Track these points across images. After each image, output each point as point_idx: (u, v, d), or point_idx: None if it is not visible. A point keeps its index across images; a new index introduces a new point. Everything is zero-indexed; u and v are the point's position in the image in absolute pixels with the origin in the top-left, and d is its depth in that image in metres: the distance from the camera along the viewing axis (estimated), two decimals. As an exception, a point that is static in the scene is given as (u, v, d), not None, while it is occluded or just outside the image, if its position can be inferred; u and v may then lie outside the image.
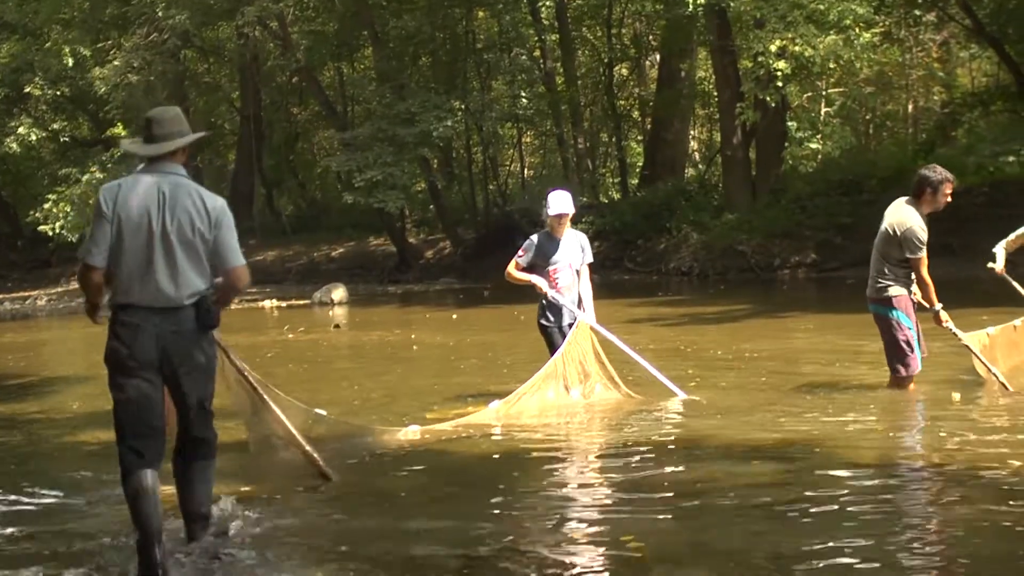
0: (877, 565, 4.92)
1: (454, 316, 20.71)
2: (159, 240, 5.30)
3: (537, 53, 33.93)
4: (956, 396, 8.78)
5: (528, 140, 40.54)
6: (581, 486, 7.01)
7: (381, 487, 6.87)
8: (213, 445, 5.60)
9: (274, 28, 32.28)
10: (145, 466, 5.27)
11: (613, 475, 7.12)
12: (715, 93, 31.37)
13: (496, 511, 6.18)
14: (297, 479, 6.88)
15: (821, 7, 23.37)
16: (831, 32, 23.63)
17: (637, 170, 37.09)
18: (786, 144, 29.05)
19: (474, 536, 5.65)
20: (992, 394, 8.98)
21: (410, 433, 8.22)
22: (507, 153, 40.30)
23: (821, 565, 4.92)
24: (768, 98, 24.61)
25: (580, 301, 9.45)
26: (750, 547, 5.24)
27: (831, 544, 5.19)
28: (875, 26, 25.31)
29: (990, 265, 9.76)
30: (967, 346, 9.16)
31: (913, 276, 8.80)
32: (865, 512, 5.72)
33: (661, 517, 5.89)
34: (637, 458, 7.35)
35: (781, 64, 23.29)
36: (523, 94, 34.18)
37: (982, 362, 9.19)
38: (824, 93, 32.09)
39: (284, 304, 26.13)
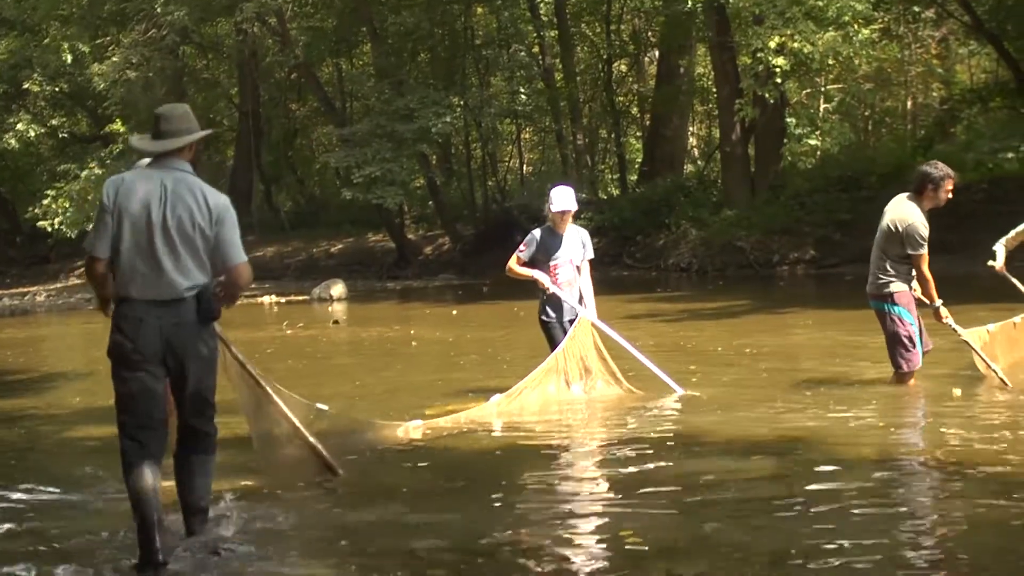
0: (877, 560, 4.92)
1: (454, 312, 20.70)
2: (159, 233, 5.32)
3: (536, 49, 33.89)
4: (957, 392, 8.79)
5: (527, 136, 40.52)
6: (581, 481, 7.02)
7: (382, 482, 6.87)
8: (213, 440, 5.62)
9: (273, 24, 32.24)
10: (147, 457, 5.29)
11: (613, 470, 7.12)
12: (714, 89, 31.35)
13: (497, 506, 6.19)
14: (299, 474, 6.88)
15: (820, 3, 23.36)
16: (830, 28, 23.62)
17: (636, 166, 37.08)
18: (785, 140, 29.02)
19: (475, 531, 5.65)
20: (992, 390, 9.00)
21: (411, 428, 8.22)
22: (506, 149, 40.27)
23: (821, 560, 4.92)
24: (767, 94, 24.59)
25: (581, 297, 9.45)
26: (750, 542, 5.25)
27: (831, 539, 5.20)
28: (874, 22, 25.30)
29: (990, 263, 9.77)
30: (967, 342, 9.17)
31: (914, 272, 8.81)
32: (865, 507, 5.72)
33: (661, 512, 5.89)
34: (637, 454, 7.36)
35: (780, 60, 23.29)
36: (522, 90, 34.12)
37: (982, 358, 9.21)
38: (823, 89, 32.05)
39: (283, 300, 26.11)
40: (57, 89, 37.45)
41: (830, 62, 24.86)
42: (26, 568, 5.36)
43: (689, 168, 35.72)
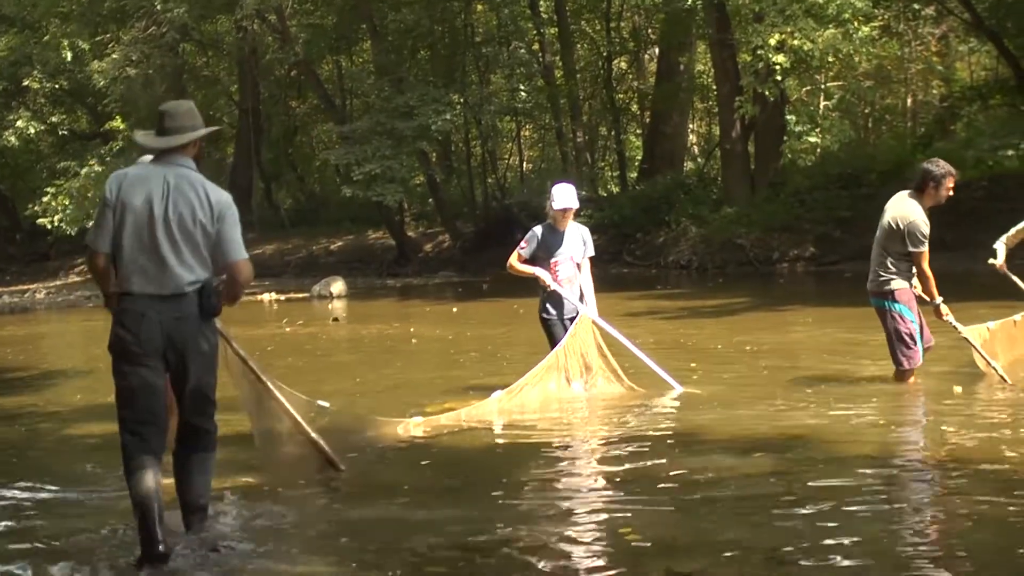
0: (877, 558, 4.92)
1: (454, 309, 20.71)
2: (161, 228, 5.33)
3: (536, 47, 33.87)
4: (957, 389, 8.80)
5: (527, 134, 40.50)
6: (582, 478, 7.02)
7: (382, 479, 6.87)
8: (213, 437, 5.62)
9: (273, 21, 32.22)
10: (147, 452, 5.31)
11: (614, 468, 7.12)
12: (714, 87, 31.34)
13: (497, 504, 6.18)
14: (299, 471, 6.88)
15: (820, 1, 23.36)
16: (830, 26, 23.62)
17: (636, 164, 37.06)
18: (785, 138, 29.01)
19: (475, 528, 5.65)
20: (992, 388, 9.00)
21: (412, 425, 8.22)
22: (506, 147, 40.24)
23: (820, 558, 4.92)
24: (767, 92, 24.61)
25: (581, 294, 9.45)
26: (750, 540, 5.25)
27: (831, 537, 5.20)
28: (874, 20, 25.28)
29: (991, 261, 9.77)
30: (967, 339, 9.18)
31: (914, 269, 8.81)
32: (865, 505, 5.73)
33: (661, 509, 5.90)
34: (637, 451, 7.36)
35: (780, 58, 23.29)
36: (522, 88, 34.10)
37: (982, 356, 9.22)
38: (823, 87, 32.04)
39: (283, 297, 26.12)
40: (57, 86, 37.45)
41: (830, 59, 24.88)
42: (26, 566, 5.35)
43: (689, 165, 35.71)
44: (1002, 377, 9.03)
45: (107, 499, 6.54)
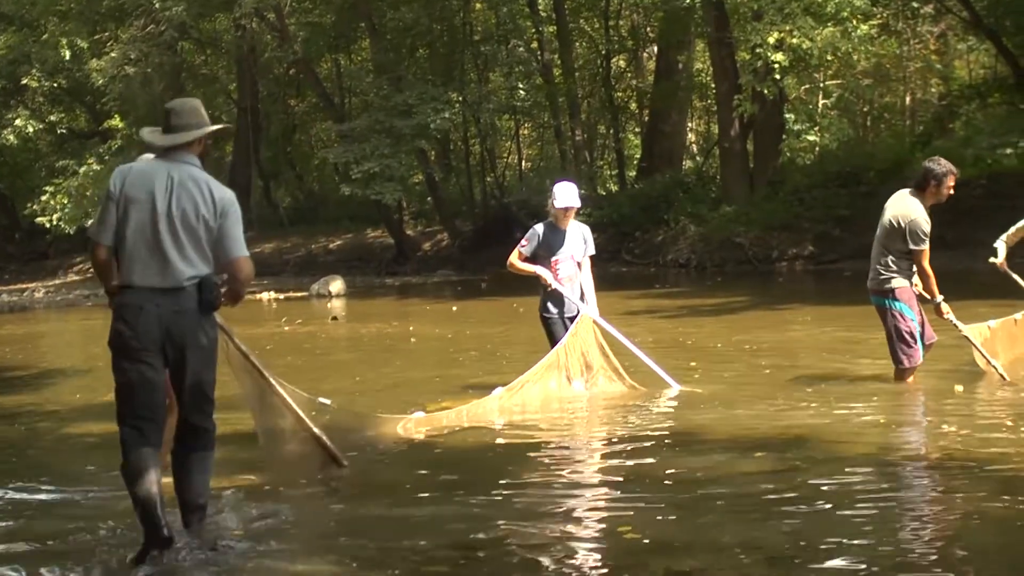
0: (877, 557, 4.91)
1: (454, 308, 20.71)
2: (164, 223, 5.37)
3: (535, 45, 33.88)
4: (958, 388, 8.79)
5: (526, 132, 40.49)
6: (582, 477, 7.01)
7: (382, 478, 6.87)
8: (212, 435, 5.62)
9: (271, 20, 32.21)
10: (145, 444, 5.32)
11: (614, 467, 7.13)
12: (713, 85, 31.34)
13: (496, 502, 6.18)
14: (301, 470, 6.88)
15: (819, -1, 23.41)
16: (829, 24, 23.65)
17: (635, 162, 37.07)
18: (784, 136, 28.96)
19: (475, 527, 5.65)
20: (994, 387, 9.00)
21: (412, 423, 8.20)
22: (504, 145, 40.24)
23: (820, 557, 4.91)
24: (766, 90, 24.62)
25: (582, 293, 9.44)
26: (749, 538, 5.24)
27: (830, 536, 5.18)
28: (872, 18, 25.29)
29: (992, 259, 9.77)
30: (967, 338, 9.18)
31: (915, 267, 8.81)
32: (865, 504, 5.72)
33: (660, 509, 5.89)
34: (637, 450, 7.35)
35: (779, 56, 23.30)
36: (520, 86, 34.12)
37: (982, 354, 9.22)
38: (822, 85, 32.03)
39: (282, 296, 26.12)
40: (55, 85, 37.48)
41: (829, 58, 24.91)
42: (25, 565, 5.34)
43: (688, 164, 35.72)
44: (1002, 376, 9.04)
45: (105, 499, 6.52)
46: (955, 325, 9.06)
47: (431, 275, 30.73)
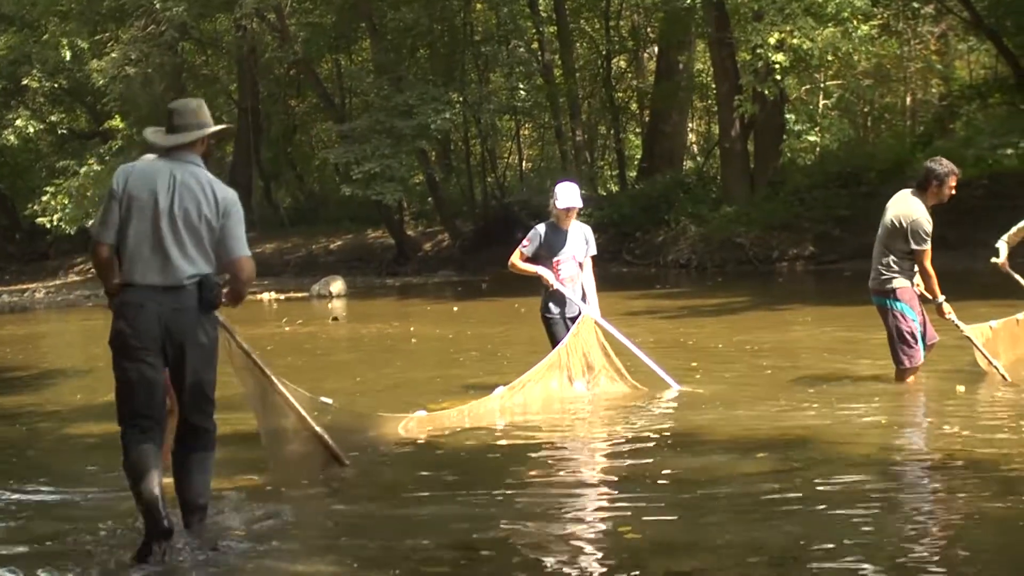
0: (877, 557, 4.91)
1: (455, 308, 20.70)
2: (166, 221, 5.39)
3: (535, 45, 33.87)
4: (960, 389, 8.79)
5: (526, 132, 40.48)
6: (582, 477, 7.01)
7: (383, 479, 6.87)
8: (213, 436, 5.63)
9: (272, 20, 32.21)
10: (146, 441, 5.35)
11: (615, 467, 7.13)
12: (713, 85, 31.34)
13: (498, 502, 6.18)
14: (303, 470, 6.88)
15: (819, 0, 23.38)
16: (829, 24, 23.64)
17: (635, 162, 37.06)
18: (784, 136, 29.01)
19: (475, 527, 5.64)
20: (995, 387, 8.99)
21: (413, 423, 8.19)
22: (505, 145, 40.23)
23: (821, 558, 4.91)
24: (766, 91, 24.61)
25: (584, 294, 9.43)
26: (750, 539, 5.23)
27: (831, 537, 5.18)
28: (873, 18, 25.29)
29: (994, 259, 9.77)
30: (968, 338, 9.17)
31: (916, 267, 8.81)
32: (866, 504, 5.71)
33: (661, 509, 5.89)
34: (639, 450, 7.35)
35: (779, 56, 23.29)
36: (521, 86, 34.12)
37: (983, 354, 9.21)
38: (822, 86, 32.04)
39: (282, 297, 26.12)
40: (56, 85, 37.48)
41: (829, 58, 24.90)
42: (23, 567, 5.34)
43: (688, 164, 35.70)
44: (1003, 376, 9.03)
45: (105, 500, 6.52)
46: (956, 325, 9.06)
47: (432, 275, 30.73)
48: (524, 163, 40.88)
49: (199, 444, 5.56)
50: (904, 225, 8.67)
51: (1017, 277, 9.98)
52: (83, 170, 33.45)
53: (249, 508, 6.14)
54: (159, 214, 5.39)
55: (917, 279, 8.89)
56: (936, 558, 4.95)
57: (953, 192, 8.87)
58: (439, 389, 10.23)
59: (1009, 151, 24.77)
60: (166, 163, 5.53)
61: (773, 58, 23.25)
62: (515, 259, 9.45)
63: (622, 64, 37.88)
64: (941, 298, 8.86)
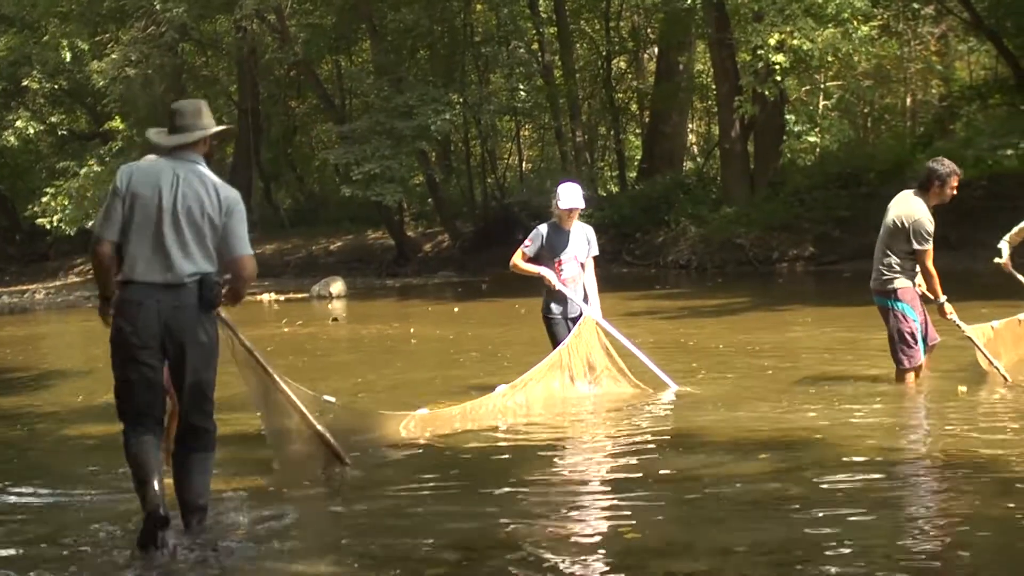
0: (878, 557, 4.91)
1: (455, 309, 20.70)
2: (168, 219, 5.41)
3: (535, 46, 33.86)
4: (962, 389, 8.79)
5: (526, 133, 40.48)
6: (583, 477, 7.01)
7: (384, 479, 6.86)
8: (213, 436, 5.63)
9: (272, 21, 32.22)
10: (146, 434, 5.40)
11: (615, 467, 7.13)
12: (713, 86, 31.34)
13: (498, 504, 6.17)
14: (306, 470, 6.88)
15: (819, 0, 23.37)
16: (829, 25, 23.64)
17: (635, 163, 37.05)
18: (784, 137, 29.01)
19: (476, 527, 5.64)
20: (996, 388, 8.98)
21: (414, 422, 8.18)
22: (505, 146, 40.23)
23: (822, 559, 4.90)
24: (766, 91, 24.60)
25: (585, 294, 9.43)
26: (751, 540, 5.23)
27: (833, 538, 5.18)
28: (873, 19, 25.29)
29: (996, 260, 9.77)
30: (970, 338, 9.17)
31: (918, 268, 8.81)
32: (867, 505, 5.71)
33: (661, 509, 5.89)
34: (640, 450, 7.35)
35: (779, 57, 23.29)
36: (521, 87, 34.11)
37: (984, 354, 9.21)
38: (822, 86, 32.06)
39: (282, 297, 26.12)
40: (56, 86, 37.46)
41: (829, 59, 24.90)
42: (19, 571, 5.33)
43: (688, 165, 35.70)
44: (1004, 377, 9.02)
45: (103, 501, 6.52)
46: (958, 326, 9.05)
47: (432, 276, 30.72)
48: (524, 164, 40.87)
49: (199, 444, 5.56)
50: (906, 225, 8.67)
51: (1019, 277, 9.98)
52: (83, 171, 33.44)
53: (249, 509, 6.14)
54: (162, 211, 5.41)
55: (919, 279, 8.89)
56: (936, 558, 4.95)
57: (955, 192, 8.87)
58: (439, 390, 10.22)
59: (1009, 152, 24.75)
60: (169, 162, 5.55)
61: (773, 59, 23.25)
62: (517, 259, 9.44)
63: (622, 65, 37.87)
64: (943, 298, 8.86)
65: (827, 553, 4.96)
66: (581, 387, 9.30)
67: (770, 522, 5.53)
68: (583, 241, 9.43)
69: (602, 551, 5.32)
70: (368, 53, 35.85)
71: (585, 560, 5.16)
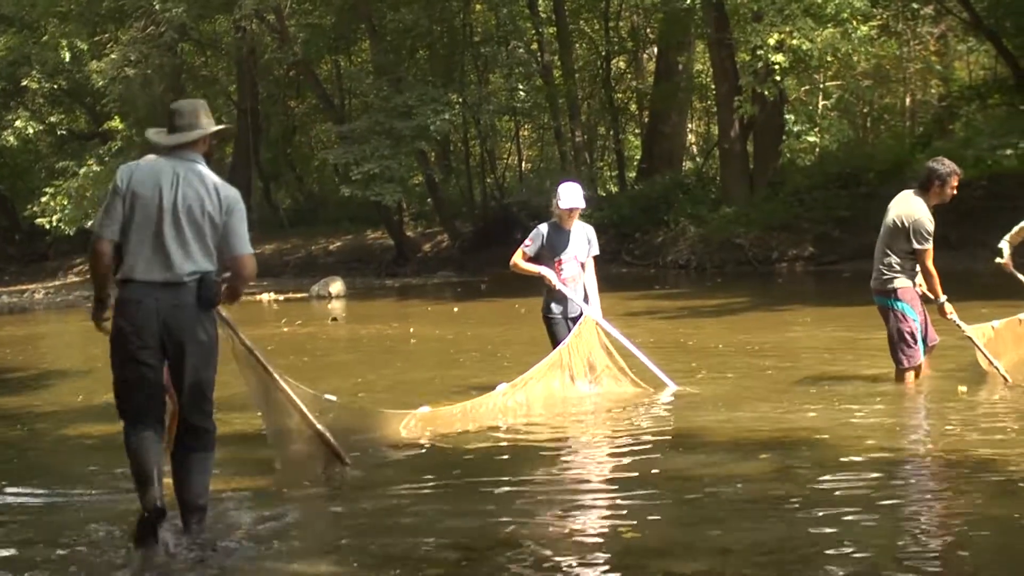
0: (878, 557, 4.90)
1: (455, 309, 20.69)
2: (168, 217, 5.42)
3: (535, 46, 33.87)
4: (962, 389, 8.78)
5: (525, 133, 40.48)
6: (583, 477, 7.00)
7: (384, 479, 6.85)
8: (212, 436, 5.63)
9: (271, 21, 32.22)
10: (146, 430, 5.41)
11: (615, 467, 7.12)
12: (713, 86, 31.34)
13: (498, 503, 6.17)
14: (310, 469, 6.88)
15: (819, 0, 23.37)
16: (829, 25, 23.64)
17: (635, 163, 37.05)
18: (784, 137, 28.98)
19: (476, 527, 5.64)
20: (996, 388, 8.98)
21: (415, 421, 8.17)
22: (504, 146, 40.23)
23: (822, 559, 4.90)
24: (766, 91, 24.61)
25: (586, 294, 9.42)
26: (751, 540, 5.22)
27: (833, 538, 5.17)
28: (872, 19, 25.30)
29: (997, 259, 9.77)
30: (970, 338, 9.17)
31: (918, 268, 8.81)
32: (867, 505, 5.70)
33: (662, 509, 5.88)
34: (639, 450, 7.34)
35: (779, 57, 23.30)
36: (520, 87, 34.11)
37: (984, 354, 9.20)
38: (822, 86, 32.06)
39: (282, 297, 26.12)
40: (55, 86, 37.46)
41: (829, 59, 24.91)
42: (23, 567, 5.33)
43: (688, 165, 35.71)
44: (1004, 377, 9.02)
45: (103, 501, 6.51)
46: (958, 325, 9.05)
47: (431, 276, 30.72)
48: (523, 164, 40.87)
49: (199, 444, 5.56)
50: (906, 225, 8.67)
51: (1020, 277, 9.97)
52: (82, 171, 33.45)
53: (249, 509, 6.13)
54: (162, 210, 5.41)
55: (919, 279, 8.89)
56: (936, 558, 4.95)
57: (955, 192, 8.87)
58: (439, 390, 10.22)
59: (1008, 152, 24.75)
60: (169, 161, 5.55)
61: (772, 59, 23.26)
62: (517, 259, 9.43)
63: (621, 65, 37.87)
64: (943, 298, 8.86)
65: (827, 553, 4.96)
66: (581, 386, 9.30)
67: (770, 522, 5.53)
68: (583, 241, 9.42)
69: (602, 550, 5.31)
70: (367, 53, 35.85)
71: (585, 559, 5.15)
